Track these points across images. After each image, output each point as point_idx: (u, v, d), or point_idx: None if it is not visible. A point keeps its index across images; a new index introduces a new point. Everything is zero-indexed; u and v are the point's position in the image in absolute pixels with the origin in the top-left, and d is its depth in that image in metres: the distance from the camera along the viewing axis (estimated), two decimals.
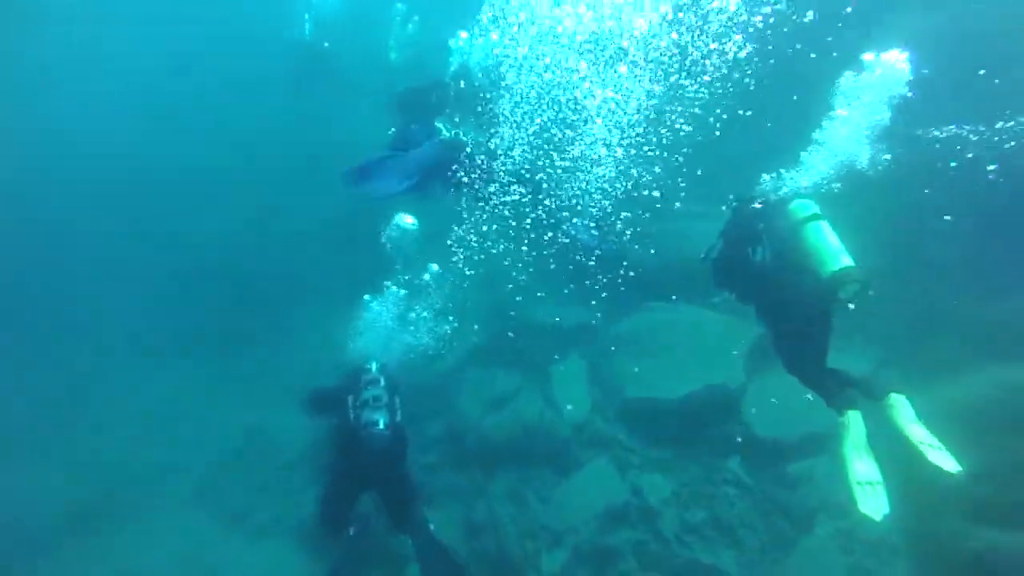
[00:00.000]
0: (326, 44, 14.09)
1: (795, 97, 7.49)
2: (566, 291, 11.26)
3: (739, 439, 7.96)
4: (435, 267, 8.04)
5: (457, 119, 7.95)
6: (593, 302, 10.50)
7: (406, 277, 7.87)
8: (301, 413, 6.57)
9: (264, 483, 9.14)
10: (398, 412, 6.20)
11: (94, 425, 10.61)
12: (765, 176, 5.92)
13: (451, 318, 9.87)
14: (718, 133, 9.70)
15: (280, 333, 11.74)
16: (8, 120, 17.00)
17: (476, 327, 10.24)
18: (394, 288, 8.08)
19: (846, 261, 4.70)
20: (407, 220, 8.39)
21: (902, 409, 4.57)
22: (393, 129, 8.09)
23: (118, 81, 17.82)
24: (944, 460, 4.30)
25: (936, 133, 9.08)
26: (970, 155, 8.81)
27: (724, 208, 5.82)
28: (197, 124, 16.05)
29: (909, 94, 6.01)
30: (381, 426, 5.88)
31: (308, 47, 14.03)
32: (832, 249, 4.77)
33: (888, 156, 6.12)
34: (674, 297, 9.66)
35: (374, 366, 6.49)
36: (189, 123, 16.17)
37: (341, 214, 13.60)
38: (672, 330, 9.17)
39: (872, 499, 4.34)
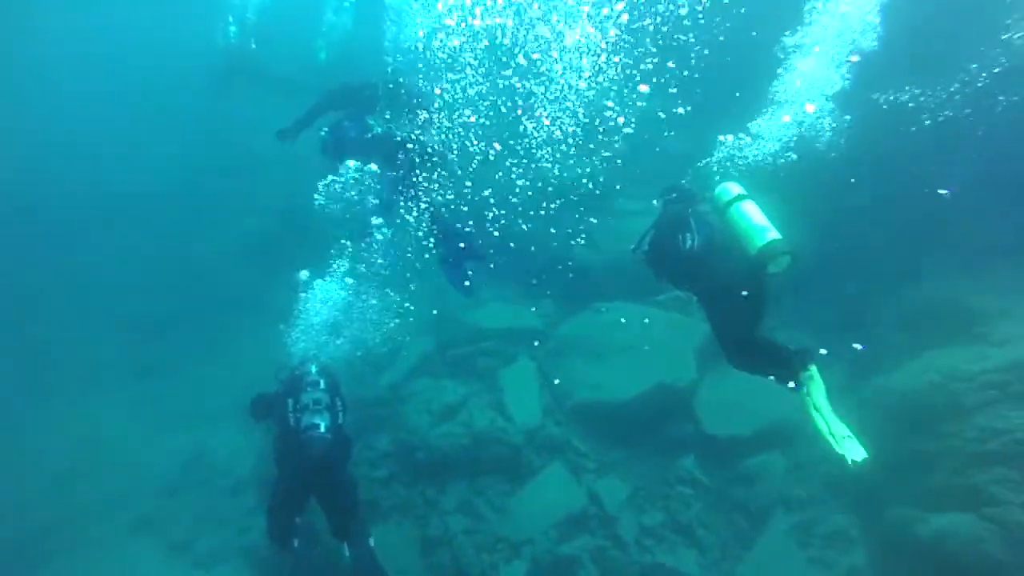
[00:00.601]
0: (253, 45, 13.60)
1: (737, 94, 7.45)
2: (510, 293, 11.19)
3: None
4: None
5: (388, 115, 7.78)
6: (533, 309, 10.45)
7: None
8: (242, 431, 6.32)
9: (208, 509, 8.66)
10: (340, 415, 6.04)
11: (25, 456, 9.79)
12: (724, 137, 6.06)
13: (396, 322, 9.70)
14: (668, 134, 9.77)
15: (215, 350, 11.17)
16: None
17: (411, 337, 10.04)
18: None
19: (772, 235, 4.67)
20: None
21: (815, 391, 4.51)
22: (325, 130, 7.89)
23: (27, 87, 16.77)
24: (850, 449, 4.26)
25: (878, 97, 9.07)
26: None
27: (654, 202, 5.83)
28: (112, 135, 15.25)
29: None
30: (322, 429, 5.73)
31: (234, 49, 13.51)
32: (758, 225, 4.75)
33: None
34: (620, 297, 9.57)
35: (313, 368, 6.30)
36: (103, 134, 15.33)
37: (268, 224, 13.16)
38: (620, 330, 9.04)
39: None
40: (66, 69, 16.73)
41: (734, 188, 5.09)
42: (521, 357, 9.51)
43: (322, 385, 6.08)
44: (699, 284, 5.26)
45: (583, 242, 10.88)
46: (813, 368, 4.54)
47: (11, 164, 14.96)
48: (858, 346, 7.65)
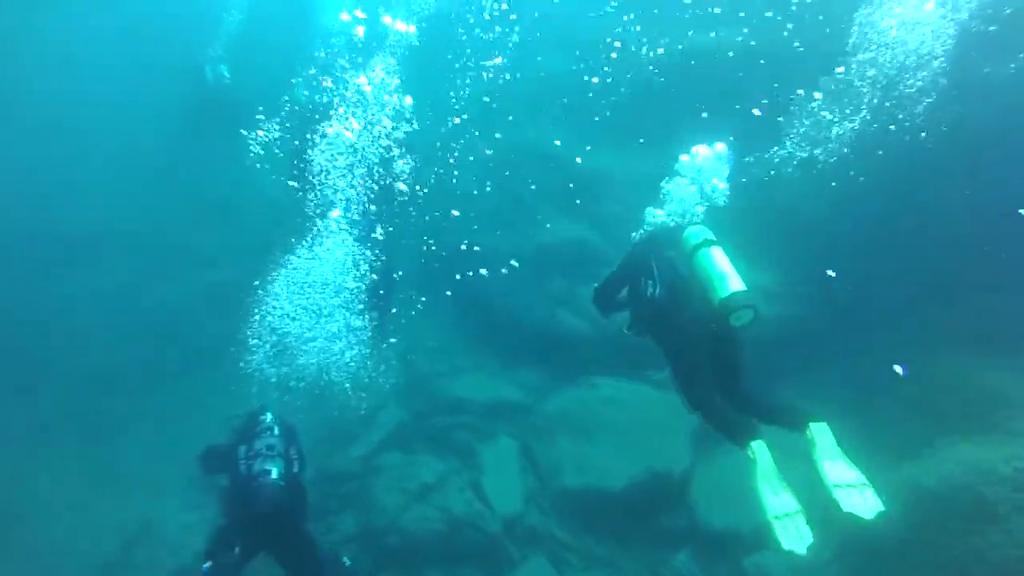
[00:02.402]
0: (226, 76, 13.20)
1: None
2: (491, 362, 10.58)
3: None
4: None
5: None
6: (516, 381, 9.85)
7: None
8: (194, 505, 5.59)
9: None
10: (295, 463, 5.61)
11: None
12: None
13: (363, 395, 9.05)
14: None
15: (170, 410, 10.22)
16: None
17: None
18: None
19: (736, 285, 4.48)
20: None
21: (823, 442, 4.09)
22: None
23: None
24: (863, 504, 3.78)
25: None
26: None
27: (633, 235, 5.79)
28: (78, 170, 14.50)
29: None
30: (274, 475, 5.28)
31: (215, 83, 13.08)
32: (723, 274, 4.57)
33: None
34: (610, 371, 9.01)
35: (269, 415, 5.92)
36: (66, 168, 14.57)
37: (237, 274, 12.40)
38: (610, 408, 8.47)
39: (792, 532, 3.84)
40: (31, 93, 15.99)
41: (703, 232, 4.91)
42: (502, 434, 8.85)
43: (276, 432, 5.69)
44: (658, 332, 5.03)
45: (569, 309, 10.40)
46: (752, 446, 4.13)
47: None
48: (899, 368, 7.28)
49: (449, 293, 10.69)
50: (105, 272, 12.59)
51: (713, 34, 11.38)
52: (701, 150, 5.73)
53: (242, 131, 13.00)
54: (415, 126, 8.47)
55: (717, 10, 11.22)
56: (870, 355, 8.62)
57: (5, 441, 9.71)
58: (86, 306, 11.96)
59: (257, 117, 12.07)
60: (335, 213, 7.90)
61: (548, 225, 11.15)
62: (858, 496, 3.82)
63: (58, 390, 10.69)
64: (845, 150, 8.35)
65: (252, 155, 10.41)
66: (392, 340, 10.24)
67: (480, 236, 11.03)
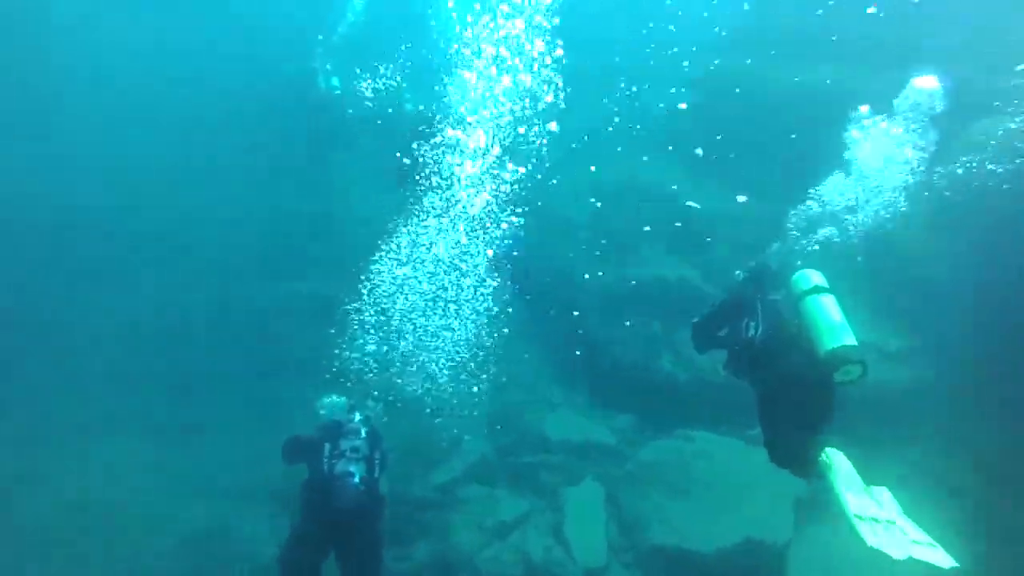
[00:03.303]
0: (337, 87, 13.49)
1: None
2: (582, 401, 10.24)
3: None
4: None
5: None
6: (608, 423, 9.45)
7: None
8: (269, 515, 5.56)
9: None
10: (377, 468, 5.57)
11: (30, 508, 8.94)
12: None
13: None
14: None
15: (253, 416, 10.27)
16: None
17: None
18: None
19: (848, 339, 4.17)
20: None
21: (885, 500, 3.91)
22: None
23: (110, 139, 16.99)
24: (936, 556, 3.51)
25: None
26: None
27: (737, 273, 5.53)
28: (183, 173, 15.06)
29: None
30: (356, 479, 5.25)
31: (327, 93, 13.42)
32: (832, 324, 4.28)
33: None
34: (710, 423, 8.48)
35: (357, 416, 5.91)
36: (170, 171, 15.14)
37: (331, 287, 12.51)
38: (705, 464, 7.92)
39: (881, 532, 3.61)
40: (142, 95, 16.81)
41: (815, 277, 4.61)
42: (589, 478, 8.45)
43: (363, 434, 5.65)
44: (755, 378, 4.79)
45: (669, 353, 9.95)
46: (828, 460, 4.03)
47: (53, 188, 14.84)
48: None
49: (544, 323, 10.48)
50: (199, 275, 13.03)
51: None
52: None
53: (348, 144, 13.35)
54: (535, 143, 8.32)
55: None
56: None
57: (89, 437, 10.10)
58: (178, 308, 12.39)
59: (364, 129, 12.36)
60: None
61: (649, 264, 10.77)
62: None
63: (143, 389, 11.04)
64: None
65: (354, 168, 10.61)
66: (492, 368, 10.10)
67: (578, 269, 10.78)
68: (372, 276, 8.21)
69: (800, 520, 7.28)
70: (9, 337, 11.57)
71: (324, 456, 5.44)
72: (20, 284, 12.55)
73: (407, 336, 7.99)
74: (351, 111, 13.41)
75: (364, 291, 8.13)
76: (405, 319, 8.03)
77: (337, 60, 13.78)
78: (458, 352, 8.62)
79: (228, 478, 9.27)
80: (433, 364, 8.32)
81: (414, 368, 8.11)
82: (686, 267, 10.46)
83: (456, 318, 8.28)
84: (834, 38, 11.37)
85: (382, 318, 7.99)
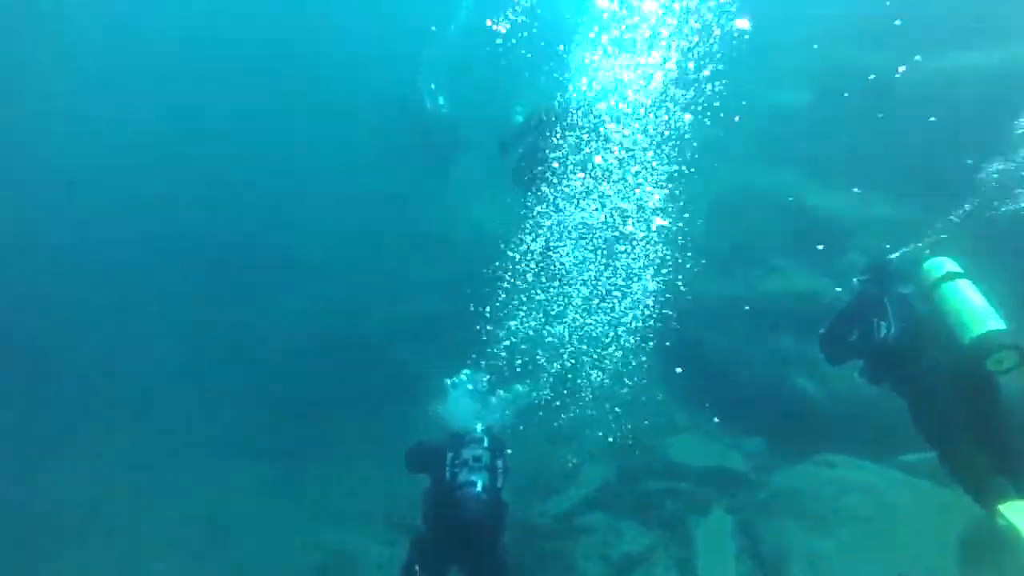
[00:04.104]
0: (443, 106, 13.59)
1: None
2: (708, 423, 9.66)
3: None
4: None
5: None
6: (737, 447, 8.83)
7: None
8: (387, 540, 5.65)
9: None
10: (500, 478, 5.51)
11: (147, 527, 9.20)
12: None
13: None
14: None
15: (369, 440, 10.34)
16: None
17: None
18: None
19: (993, 324, 3.90)
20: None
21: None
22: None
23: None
24: None
25: None
26: None
27: (854, 280, 5.27)
28: (301, 195, 15.65)
29: None
30: (478, 488, 5.20)
31: (435, 114, 13.56)
32: (974, 310, 4.01)
33: None
34: (853, 448, 7.70)
35: (479, 426, 5.94)
36: (290, 195, 15.76)
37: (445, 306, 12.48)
38: (850, 494, 7.11)
39: None
40: (261, 119, 17.56)
41: (947, 264, 4.37)
42: (717, 508, 7.90)
43: (485, 443, 5.63)
44: (897, 381, 4.56)
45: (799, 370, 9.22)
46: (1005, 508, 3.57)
47: (177, 214, 15.55)
48: None
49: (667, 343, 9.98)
50: (317, 296, 13.41)
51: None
52: None
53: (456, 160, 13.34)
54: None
55: None
56: None
57: (214, 455, 10.48)
58: (296, 328, 12.77)
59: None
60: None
61: (777, 274, 10.09)
62: None
63: (264, 409, 11.41)
64: None
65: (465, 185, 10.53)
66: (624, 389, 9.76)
67: (699, 282, 10.25)
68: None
69: (965, 562, 6.42)
70: (128, 357, 12.39)
71: (446, 465, 5.44)
72: (138, 302, 13.47)
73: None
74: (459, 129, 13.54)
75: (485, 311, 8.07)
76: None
77: (442, 78, 13.95)
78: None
79: (348, 501, 9.41)
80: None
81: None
82: (817, 277, 9.69)
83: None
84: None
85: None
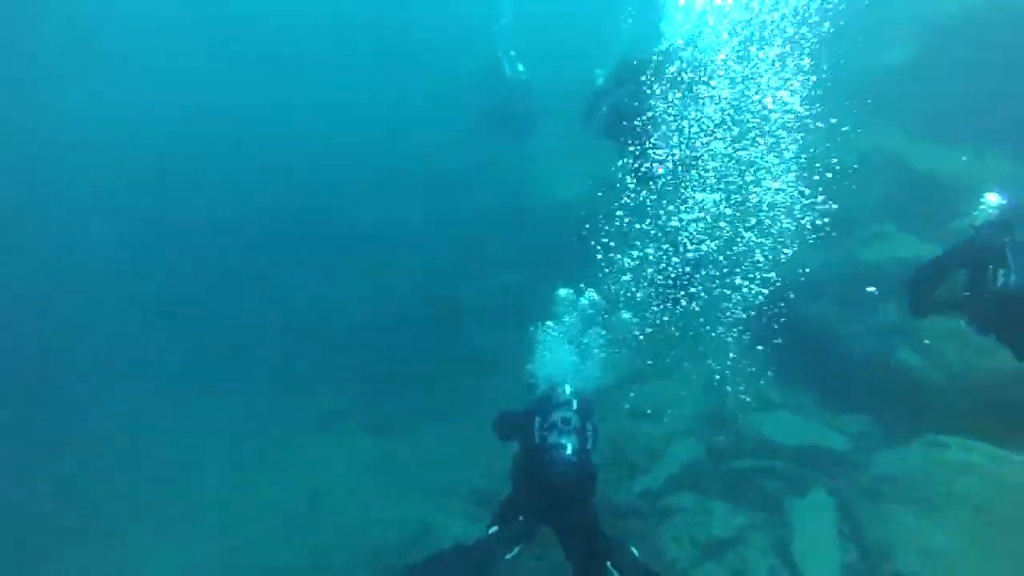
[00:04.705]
0: (522, 72, 13.23)
1: None
2: (806, 400, 9.13)
3: None
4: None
5: None
6: (838, 425, 8.28)
7: None
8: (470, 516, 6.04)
9: None
10: (590, 440, 5.51)
11: (247, 498, 9.53)
12: None
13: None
14: None
15: (456, 414, 10.30)
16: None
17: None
18: None
19: None
20: None
21: None
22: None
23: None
24: None
25: None
26: None
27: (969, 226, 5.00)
28: (384, 170, 15.66)
29: None
30: (568, 451, 5.19)
31: (514, 82, 13.23)
32: None
33: None
34: (968, 430, 7.06)
35: (567, 388, 5.92)
36: (378, 169, 15.80)
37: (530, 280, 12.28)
38: (965, 478, 6.51)
39: None
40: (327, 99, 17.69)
41: None
42: (816, 488, 7.44)
43: (574, 406, 5.61)
44: (1015, 333, 4.48)
45: (906, 344, 8.55)
46: None
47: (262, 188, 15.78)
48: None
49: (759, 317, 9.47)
50: (398, 271, 13.44)
51: None
52: None
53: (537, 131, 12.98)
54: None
55: None
56: None
57: (307, 427, 10.69)
58: (378, 303, 12.87)
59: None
60: None
61: (881, 241, 9.39)
62: None
63: (353, 382, 11.54)
64: None
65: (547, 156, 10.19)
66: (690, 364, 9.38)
67: (797, 252, 9.66)
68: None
69: None
70: (223, 334, 12.77)
71: (535, 429, 5.46)
72: (227, 283, 13.84)
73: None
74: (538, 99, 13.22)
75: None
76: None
77: (519, 45, 13.63)
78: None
79: (434, 474, 9.41)
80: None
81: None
82: (924, 243, 8.94)
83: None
84: None
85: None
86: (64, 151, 17.59)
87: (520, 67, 13.48)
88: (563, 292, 7.32)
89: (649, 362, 9.68)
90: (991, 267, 4.49)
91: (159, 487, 9.81)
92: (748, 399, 9.02)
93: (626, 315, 7.84)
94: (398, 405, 11.09)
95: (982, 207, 4.99)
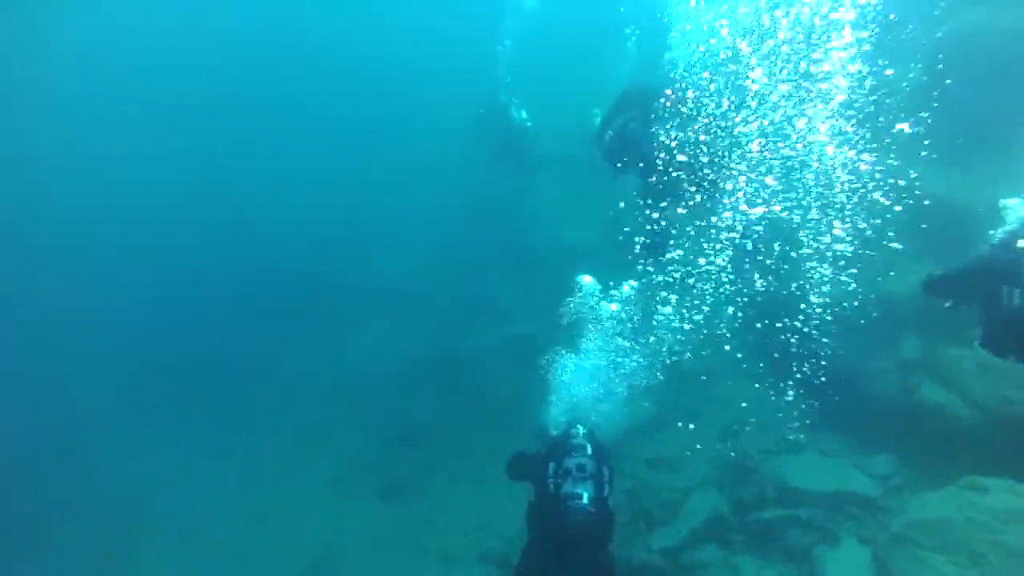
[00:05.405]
0: (527, 119, 13.12)
1: None
2: (832, 443, 8.68)
3: None
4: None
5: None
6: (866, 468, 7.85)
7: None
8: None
9: None
10: (606, 486, 5.26)
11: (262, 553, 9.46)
12: None
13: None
14: None
15: (469, 473, 10.07)
16: None
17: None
18: None
19: None
20: None
21: None
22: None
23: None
24: None
25: None
26: None
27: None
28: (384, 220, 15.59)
29: None
30: (584, 500, 4.98)
31: (513, 126, 13.12)
32: None
33: None
34: (1006, 470, 6.61)
35: (581, 430, 5.65)
36: (373, 221, 15.76)
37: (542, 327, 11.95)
38: (1009, 525, 6.04)
39: None
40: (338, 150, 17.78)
41: None
42: (848, 537, 7.02)
43: (588, 450, 5.35)
44: None
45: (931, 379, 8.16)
46: None
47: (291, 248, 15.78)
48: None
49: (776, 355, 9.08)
50: (407, 323, 13.23)
51: None
52: None
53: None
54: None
55: None
56: None
57: (314, 491, 10.39)
58: (389, 357, 12.61)
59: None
60: None
61: (892, 272, 9.07)
62: None
63: (358, 440, 11.26)
64: None
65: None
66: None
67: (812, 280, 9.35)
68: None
69: None
70: (235, 385, 12.58)
71: (549, 476, 5.25)
72: (231, 336, 13.72)
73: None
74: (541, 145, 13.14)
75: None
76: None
77: (521, 89, 13.55)
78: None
79: (444, 536, 9.14)
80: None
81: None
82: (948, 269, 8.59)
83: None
84: None
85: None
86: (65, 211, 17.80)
87: (524, 113, 13.42)
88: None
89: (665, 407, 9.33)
90: (1003, 286, 4.32)
91: (166, 533, 9.99)
92: (769, 443, 8.64)
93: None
94: (410, 462, 10.85)
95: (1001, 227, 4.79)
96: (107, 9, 19.26)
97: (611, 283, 7.34)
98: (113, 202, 18.15)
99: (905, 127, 7.06)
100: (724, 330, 8.81)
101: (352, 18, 20.64)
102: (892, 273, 8.94)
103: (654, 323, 7.70)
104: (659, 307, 7.69)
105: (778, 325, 8.68)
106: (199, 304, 15.07)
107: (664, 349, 7.68)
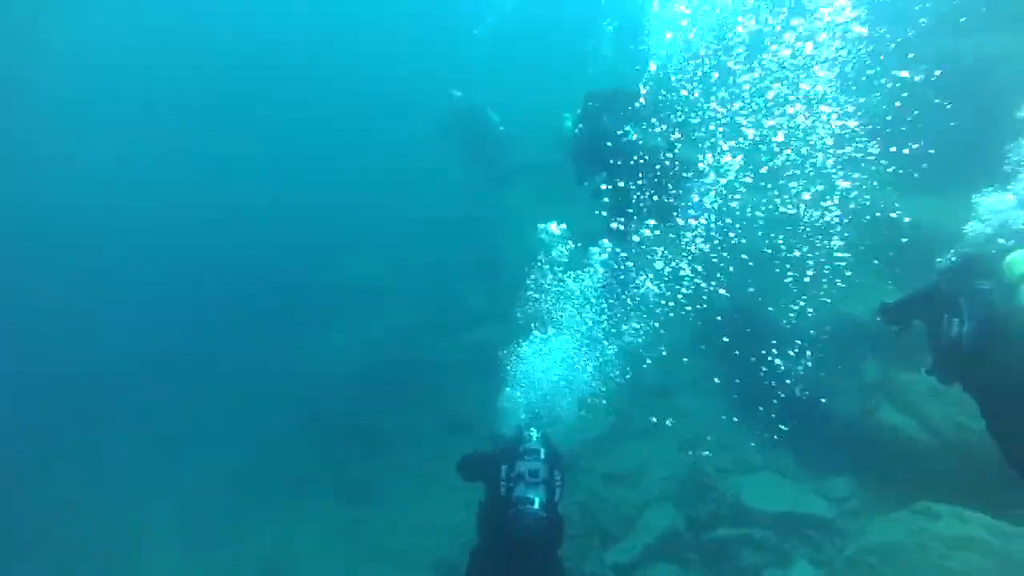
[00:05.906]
0: (499, 123, 13.02)
1: None
2: (787, 462, 8.64)
3: None
4: None
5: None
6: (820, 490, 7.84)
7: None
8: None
9: None
10: (557, 491, 5.23)
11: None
12: None
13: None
14: None
15: (432, 478, 9.72)
16: None
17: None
18: None
19: None
20: None
21: None
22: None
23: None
24: None
25: None
26: None
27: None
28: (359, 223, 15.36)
29: None
30: (536, 505, 4.95)
31: (469, 116, 13.02)
32: None
33: None
34: (962, 495, 6.61)
35: (534, 434, 5.64)
36: (350, 230, 15.52)
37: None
38: (960, 552, 6.04)
39: None
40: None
41: None
42: (800, 559, 6.96)
43: (542, 455, 5.33)
44: (972, 382, 4.29)
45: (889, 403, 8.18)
46: None
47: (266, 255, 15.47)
48: None
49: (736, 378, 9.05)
50: (371, 327, 13.05)
51: None
52: None
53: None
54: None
55: None
56: None
57: (271, 496, 10.18)
58: (353, 361, 12.40)
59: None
60: None
61: (858, 292, 9.07)
62: None
63: (318, 446, 11.15)
64: None
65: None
66: (668, 423, 8.96)
67: (769, 302, 9.32)
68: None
69: None
70: (190, 391, 12.27)
71: (501, 479, 5.19)
72: (192, 337, 13.42)
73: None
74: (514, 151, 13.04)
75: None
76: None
77: (494, 95, 13.49)
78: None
79: (403, 542, 9.10)
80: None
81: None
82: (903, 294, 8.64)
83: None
84: None
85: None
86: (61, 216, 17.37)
87: (496, 118, 13.31)
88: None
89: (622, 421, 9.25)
90: (945, 316, 4.30)
91: (116, 548, 9.81)
92: (727, 462, 8.58)
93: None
94: (369, 468, 10.74)
95: (950, 253, 4.80)
96: (106, 9, 18.91)
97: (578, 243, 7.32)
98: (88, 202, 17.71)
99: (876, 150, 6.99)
100: (685, 344, 8.76)
101: (322, 18, 20.51)
102: (856, 295, 8.92)
103: (616, 331, 7.62)
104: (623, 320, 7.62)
105: (740, 342, 8.68)
106: (161, 304, 14.77)
107: (623, 361, 7.60)
